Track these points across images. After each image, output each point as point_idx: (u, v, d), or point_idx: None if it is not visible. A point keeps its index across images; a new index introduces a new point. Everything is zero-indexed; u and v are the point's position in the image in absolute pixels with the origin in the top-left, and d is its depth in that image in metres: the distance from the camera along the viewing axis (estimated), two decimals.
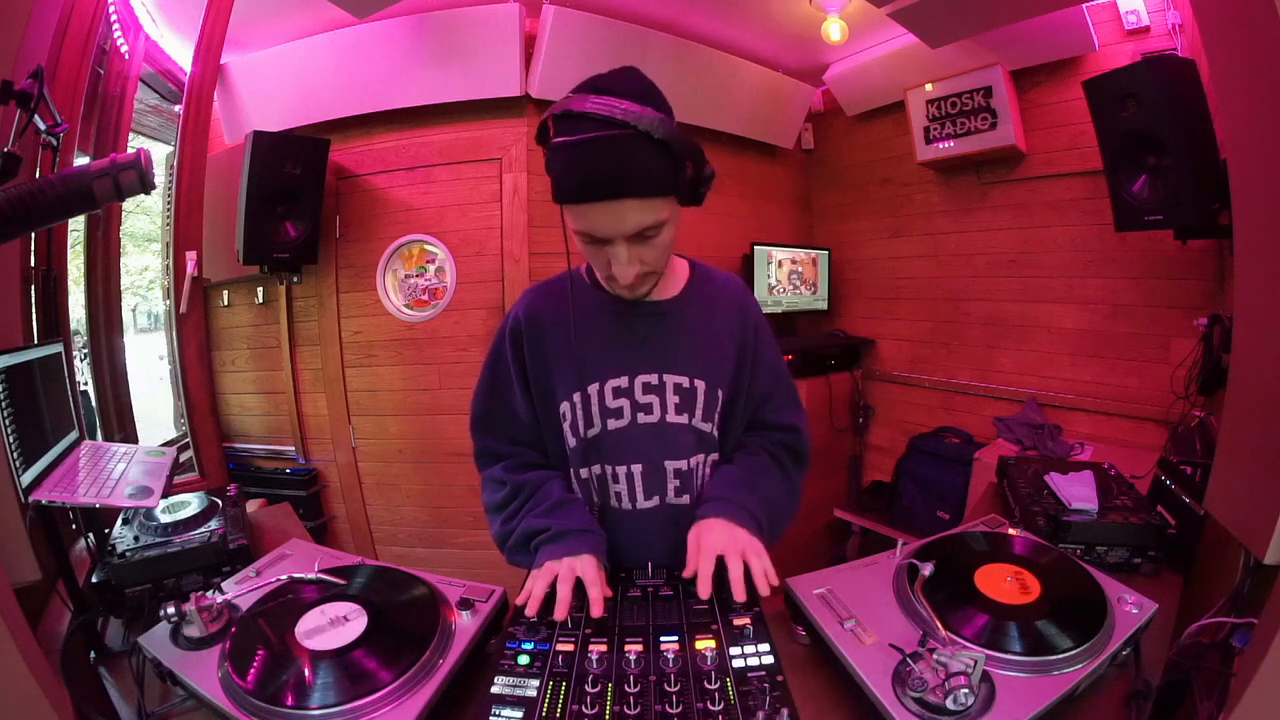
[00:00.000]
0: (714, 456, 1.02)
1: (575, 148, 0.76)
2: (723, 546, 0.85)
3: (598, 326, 0.98)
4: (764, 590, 0.81)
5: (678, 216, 0.87)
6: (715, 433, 1.00)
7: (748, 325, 1.03)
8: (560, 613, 0.80)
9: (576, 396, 0.96)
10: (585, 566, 0.85)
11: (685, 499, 0.98)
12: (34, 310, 1.57)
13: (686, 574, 0.85)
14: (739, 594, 0.80)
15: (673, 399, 0.97)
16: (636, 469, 0.97)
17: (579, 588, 0.83)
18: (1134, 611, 0.77)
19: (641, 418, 0.96)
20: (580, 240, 0.85)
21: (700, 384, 0.97)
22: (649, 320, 0.98)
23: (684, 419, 0.97)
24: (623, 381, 0.96)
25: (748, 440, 1.06)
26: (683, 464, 0.98)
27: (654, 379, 0.96)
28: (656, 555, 0.95)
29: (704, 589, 0.81)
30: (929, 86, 2.67)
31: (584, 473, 0.99)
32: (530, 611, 0.81)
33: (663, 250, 0.87)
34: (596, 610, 0.80)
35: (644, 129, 0.74)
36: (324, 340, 2.64)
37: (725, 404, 1.00)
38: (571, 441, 0.99)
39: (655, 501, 0.98)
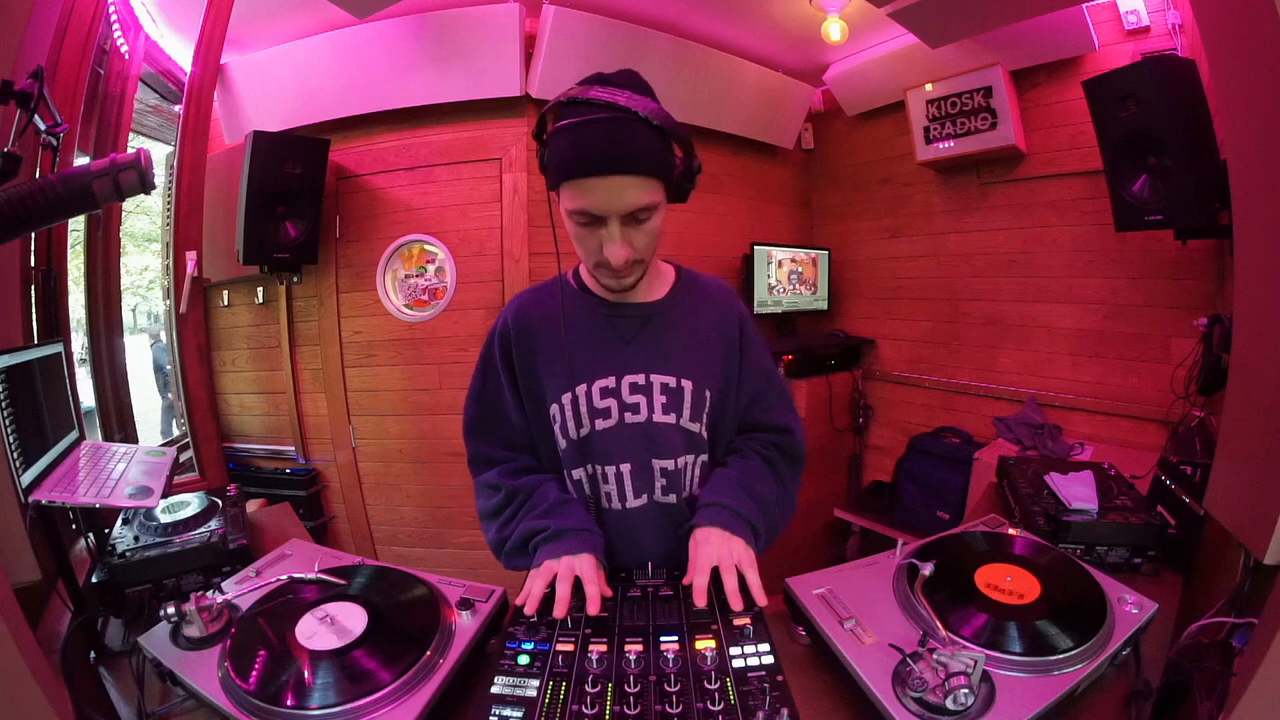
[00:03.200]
0: (703, 458, 1.01)
1: (580, 127, 0.81)
2: (718, 558, 0.86)
3: (585, 328, 0.99)
4: (761, 601, 0.82)
5: (665, 208, 0.90)
6: (704, 433, 1.00)
7: (734, 325, 1.04)
8: (559, 610, 0.80)
9: (565, 398, 0.97)
10: (583, 565, 0.85)
11: (672, 497, 0.99)
12: (34, 310, 1.57)
13: (686, 581, 0.87)
14: (735, 604, 0.81)
15: (660, 399, 0.97)
16: (625, 468, 0.98)
17: (578, 586, 0.83)
18: (1134, 611, 0.77)
19: (629, 417, 0.97)
20: (573, 223, 0.88)
21: (687, 384, 0.98)
22: (635, 321, 1.00)
23: (671, 419, 0.98)
24: (610, 381, 0.97)
25: (740, 444, 1.06)
26: (670, 463, 0.98)
27: (640, 379, 0.97)
28: (647, 552, 0.96)
29: (699, 600, 0.82)
30: (929, 86, 2.66)
31: (576, 474, 0.99)
32: (529, 611, 0.81)
33: (651, 238, 0.89)
34: (593, 608, 0.80)
35: (644, 114, 0.80)
36: (324, 340, 2.64)
37: (714, 405, 1.01)
38: (562, 443, 0.99)
39: (644, 500, 0.98)
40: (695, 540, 0.91)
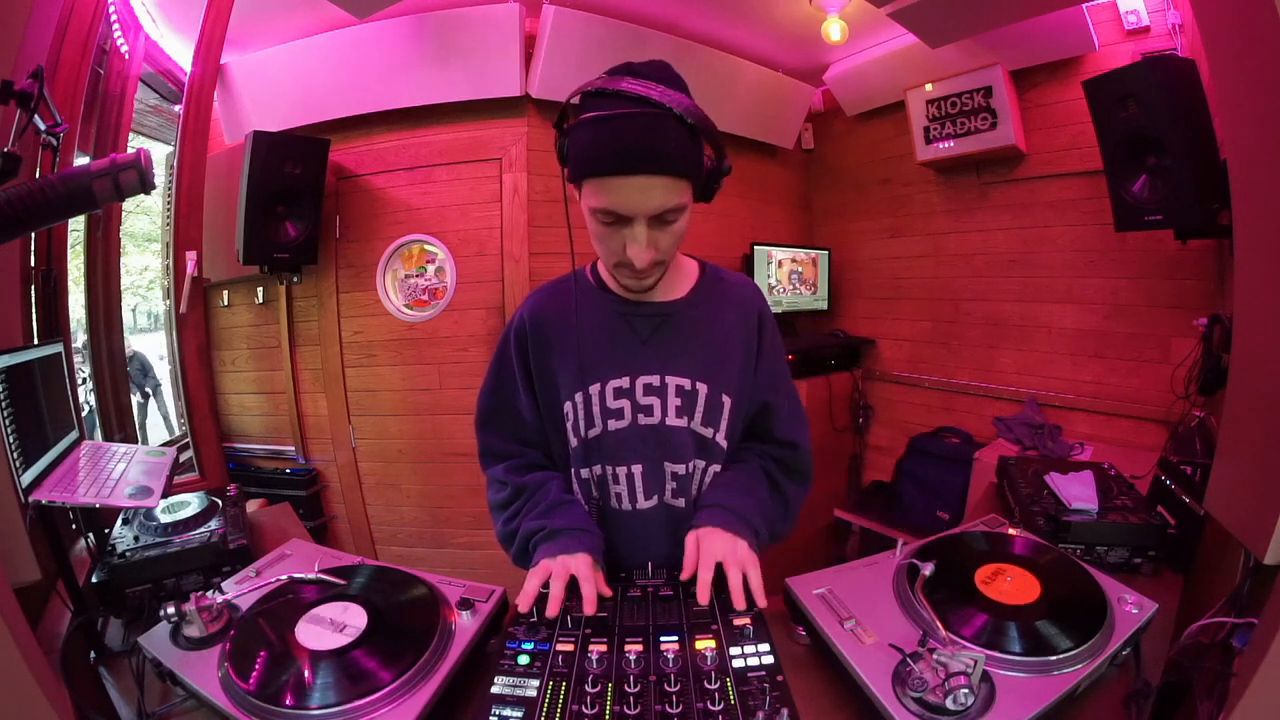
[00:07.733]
0: (715, 467, 0.99)
1: (610, 121, 0.77)
2: (722, 554, 0.85)
3: (600, 326, 0.97)
4: (761, 603, 0.81)
5: (691, 208, 0.87)
6: (720, 440, 0.98)
7: (752, 325, 1.01)
8: (552, 609, 0.79)
9: (579, 396, 0.96)
10: (579, 564, 0.85)
11: (681, 501, 0.98)
12: (34, 310, 1.57)
13: (684, 577, 0.86)
14: (739, 602, 0.80)
15: (674, 401, 0.95)
16: (637, 469, 0.97)
17: (574, 586, 0.83)
18: (1134, 611, 0.77)
19: (642, 419, 0.96)
20: (596, 221, 0.84)
21: (702, 387, 0.96)
22: (652, 320, 0.97)
23: (683, 422, 0.96)
24: (624, 382, 0.96)
25: (744, 452, 1.03)
26: (681, 467, 0.97)
27: (655, 380, 0.96)
28: (655, 555, 0.95)
29: (704, 595, 0.81)
30: (929, 86, 2.66)
31: (584, 473, 0.99)
32: (522, 608, 0.81)
33: (676, 239, 0.87)
34: (588, 608, 0.80)
35: (678, 111, 0.77)
36: (324, 340, 2.64)
37: (733, 412, 0.98)
38: (573, 441, 0.98)
39: (654, 501, 0.98)
40: (697, 537, 0.89)
